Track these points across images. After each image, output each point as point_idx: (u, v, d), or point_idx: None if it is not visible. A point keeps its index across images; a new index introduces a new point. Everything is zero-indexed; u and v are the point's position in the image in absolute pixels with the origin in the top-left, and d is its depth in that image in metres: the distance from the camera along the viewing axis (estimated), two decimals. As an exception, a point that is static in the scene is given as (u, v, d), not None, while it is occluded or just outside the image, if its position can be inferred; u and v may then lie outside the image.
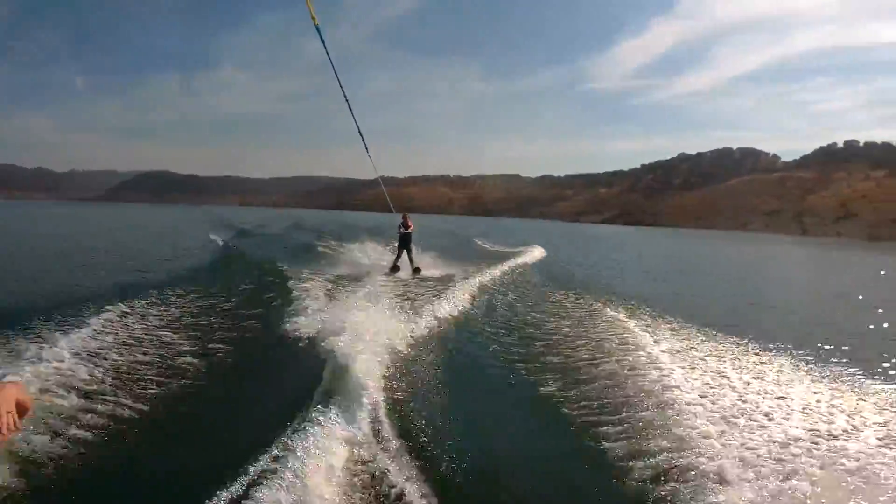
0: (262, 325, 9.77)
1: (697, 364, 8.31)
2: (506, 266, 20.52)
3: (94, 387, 6.19)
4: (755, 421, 6.13)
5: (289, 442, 4.72)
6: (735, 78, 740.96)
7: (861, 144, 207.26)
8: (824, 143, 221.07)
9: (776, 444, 5.53)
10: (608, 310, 12.28)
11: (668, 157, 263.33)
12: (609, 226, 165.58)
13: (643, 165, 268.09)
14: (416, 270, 16.95)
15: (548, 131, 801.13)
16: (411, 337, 8.83)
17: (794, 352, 9.74)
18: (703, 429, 5.67)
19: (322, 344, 7.82)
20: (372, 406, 5.70)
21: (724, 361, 8.62)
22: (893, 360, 9.39)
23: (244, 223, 46.90)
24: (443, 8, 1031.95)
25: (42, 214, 70.33)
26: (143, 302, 10.65)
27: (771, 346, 9.96)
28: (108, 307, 9.80)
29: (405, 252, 17.26)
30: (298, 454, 4.50)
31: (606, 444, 5.46)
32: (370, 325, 8.48)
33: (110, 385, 6.31)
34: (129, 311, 9.86)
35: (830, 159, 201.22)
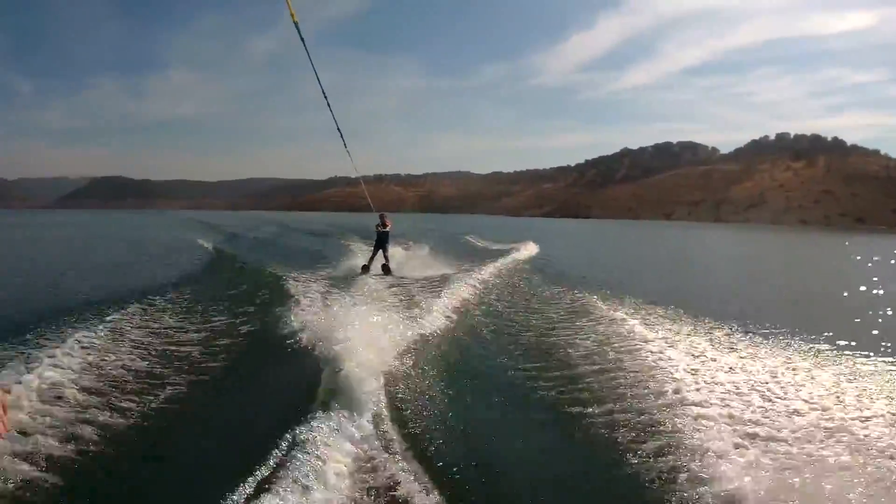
0: (260, 329, 9.67)
1: (698, 357, 8.26)
2: (501, 263, 20.63)
3: (92, 395, 6.09)
4: (757, 404, 6.22)
5: (292, 446, 4.68)
6: (680, 71, 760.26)
7: (791, 136, 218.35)
8: (764, 135, 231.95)
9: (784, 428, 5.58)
10: (600, 303, 12.40)
11: (611, 153, 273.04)
12: (545, 219, 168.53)
13: (587, 161, 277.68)
14: (385, 269, 16.61)
15: (497, 127, 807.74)
16: (411, 337, 8.69)
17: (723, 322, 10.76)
18: (710, 426, 5.56)
19: (321, 346, 7.69)
20: (374, 408, 5.68)
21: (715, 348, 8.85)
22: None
23: (230, 227, 47.40)
24: (389, 6, 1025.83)
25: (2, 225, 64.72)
26: (139, 308, 10.69)
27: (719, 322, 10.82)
28: (103, 315, 9.77)
29: (380, 251, 17.06)
30: (302, 458, 4.47)
31: (611, 443, 5.41)
32: (369, 326, 8.34)
33: (107, 394, 6.18)
34: (125, 317, 9.80)
35: (761, 151, 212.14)
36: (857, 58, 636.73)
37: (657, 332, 9.69)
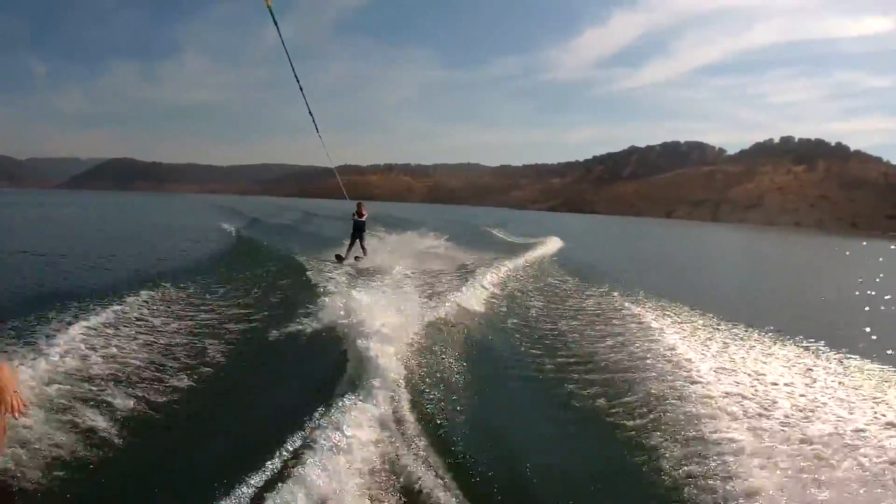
0: (283, 314, 9.66)
1: (718, 353, 8.31)
2: (525, 256, 20.84)
3: (113, 378, 6.06)
4: (781, 415, 5.93)
5: (313, 432, 4.76)
6: (694, 70, 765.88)
7: (796, 140, 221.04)
8: (778, 136, 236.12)
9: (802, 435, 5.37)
10: (624, 300, 12.45)
11: (619, 150, 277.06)
12: (550, 213, 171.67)
13: (595, 157, 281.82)
14: (357, 257, 17.03)
15: (507, 120, 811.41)
16: (433, 327, 8.78)
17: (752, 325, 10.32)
18: (729, 422, 5.53)
19: (344, 333, 7.90)
20: (395, 398, 5.72)
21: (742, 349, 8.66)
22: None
23: (253, 212, 47.48)
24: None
25: (12, 203, 61.90)
26: (160, 291, 10.59)
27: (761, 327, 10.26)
28: (125, 296, 9.71)
29: (357, 240, 17.27)
30: (320, 446, 4.49)
31: (633, 438, 5.43)
32: (392, 314, 8.46)
33: (129, 376, 6.18)
34: (146, 300, 9.78)
35: (765, 153, 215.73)
36: (874, 62, 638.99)
37: (676, 328, 9.87)
